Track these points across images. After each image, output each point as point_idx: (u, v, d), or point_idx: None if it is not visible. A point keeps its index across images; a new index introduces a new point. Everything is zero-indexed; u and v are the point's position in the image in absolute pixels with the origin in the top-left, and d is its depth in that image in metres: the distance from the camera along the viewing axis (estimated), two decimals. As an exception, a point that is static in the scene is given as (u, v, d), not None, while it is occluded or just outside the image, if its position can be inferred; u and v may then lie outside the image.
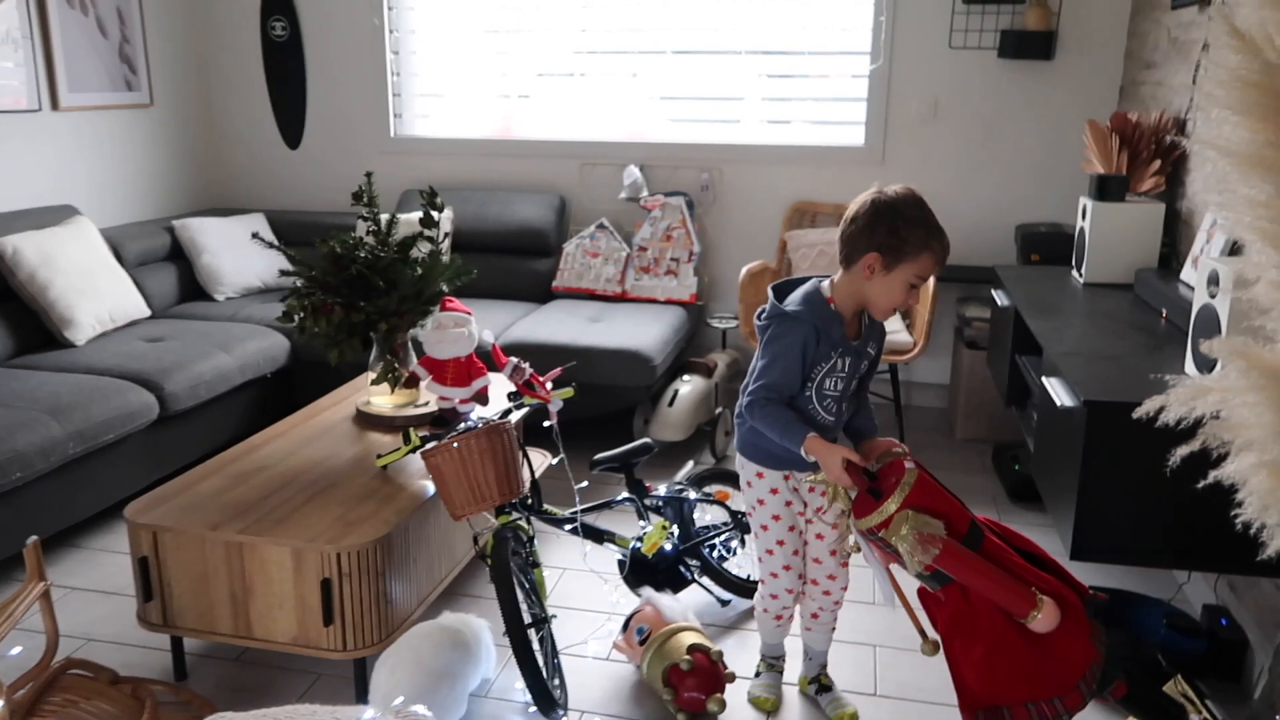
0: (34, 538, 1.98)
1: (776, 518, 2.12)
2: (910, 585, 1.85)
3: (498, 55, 4.44)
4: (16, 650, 2.30)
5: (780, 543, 2.14)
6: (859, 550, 1.93)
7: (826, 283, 2.00)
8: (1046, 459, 2.44)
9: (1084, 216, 3.18)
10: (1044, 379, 2.33)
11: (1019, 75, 3.94)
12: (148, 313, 3.81)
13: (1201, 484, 1.47)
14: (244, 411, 3.55)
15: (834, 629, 2.27)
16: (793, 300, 1.99)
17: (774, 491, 2.10)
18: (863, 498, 1.81)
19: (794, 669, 2.35)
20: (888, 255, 1.88)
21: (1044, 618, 1.68)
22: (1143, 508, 1.99)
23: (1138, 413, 1.54)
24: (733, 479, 2.88)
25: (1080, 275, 3.19)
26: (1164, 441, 1.56)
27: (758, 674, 2.35)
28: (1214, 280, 2.00)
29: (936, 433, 3.99)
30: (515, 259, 4.29)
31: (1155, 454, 1.70)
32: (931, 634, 1.85)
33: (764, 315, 2.02)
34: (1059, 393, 2.21)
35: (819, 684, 2.28)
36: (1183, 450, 1.45)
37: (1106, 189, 3.13)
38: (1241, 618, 2.41)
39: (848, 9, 4.06)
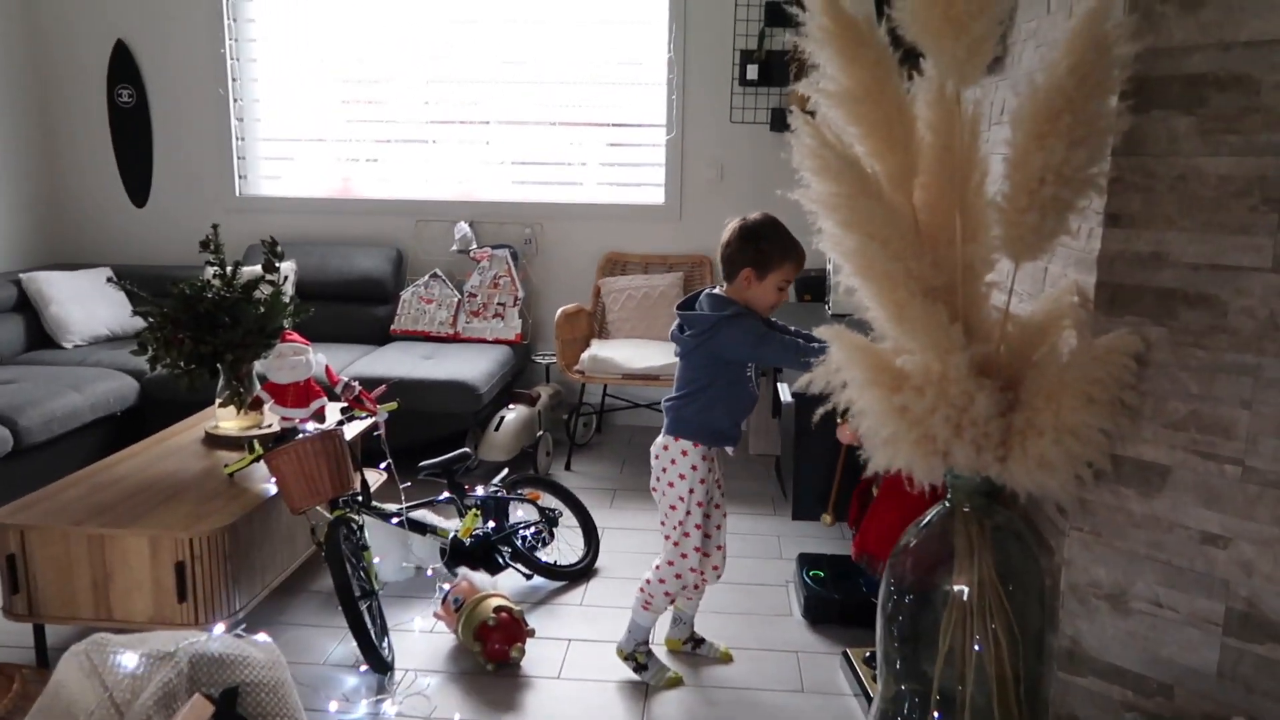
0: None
1: (700, 504, 2.47)
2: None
3: (345, 123, 4.90)
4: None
5: (698, 526, 2.48)
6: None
7: (719, 289, 2.44)
8: (786, 449, 3.06)
9: (829, 260, 3.88)
10: (778, 384, 2.96)
11: (789, 146, 4.67)
12: (-5, 359, 4.03)
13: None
14: (96, 446, 3.80)
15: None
16: (724, 305, 2.38)
17: (703, 481, 2.47)
18: None
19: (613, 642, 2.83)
20: (758, 269, 2.36)
21: None
22: (832, 473, 2.60)
23: (795, 386, 2.12)
24: (541, 484, 3.37)
25: (829, 308, 3.88)
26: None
27: (642, 667, 2.59)
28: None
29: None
30: (356, 306, 4.70)
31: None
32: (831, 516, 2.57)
33: (704, 325, 2.36)
34: (785, 393, 2.83)
35: (693, 640, 2.72)
36: (821, 410, 2.03)
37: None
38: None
39: (646, 88, 4.73)
